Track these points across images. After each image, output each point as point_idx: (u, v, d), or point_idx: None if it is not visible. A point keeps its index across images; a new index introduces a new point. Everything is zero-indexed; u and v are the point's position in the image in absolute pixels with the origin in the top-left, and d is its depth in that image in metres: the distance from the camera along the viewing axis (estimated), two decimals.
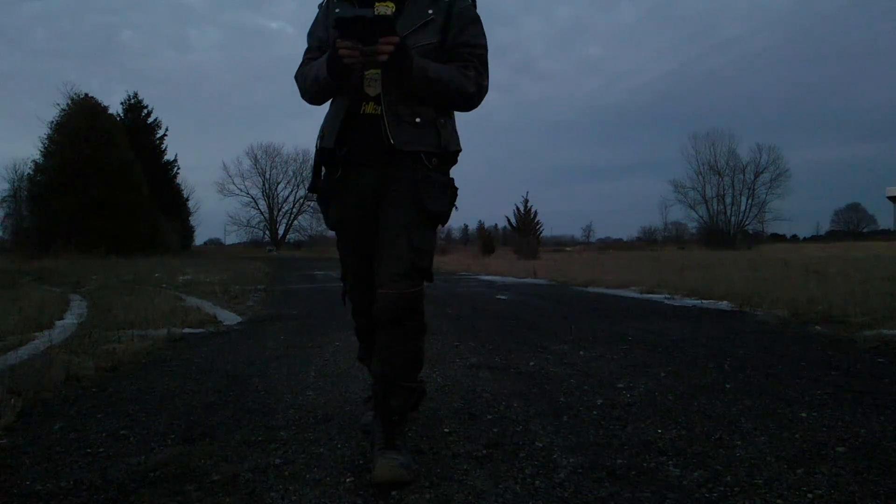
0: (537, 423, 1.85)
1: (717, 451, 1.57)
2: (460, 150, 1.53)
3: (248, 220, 40.86)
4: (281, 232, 39.95)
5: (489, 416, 1.93)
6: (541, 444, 1.65)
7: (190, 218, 28.77)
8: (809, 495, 1.29)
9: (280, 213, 40.36)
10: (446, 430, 1.80)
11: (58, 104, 21.01)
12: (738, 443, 1.64)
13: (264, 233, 41.57)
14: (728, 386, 2.30)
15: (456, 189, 1.50)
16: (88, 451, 1.66)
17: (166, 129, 24.79)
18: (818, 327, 3.87)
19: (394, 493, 1.33)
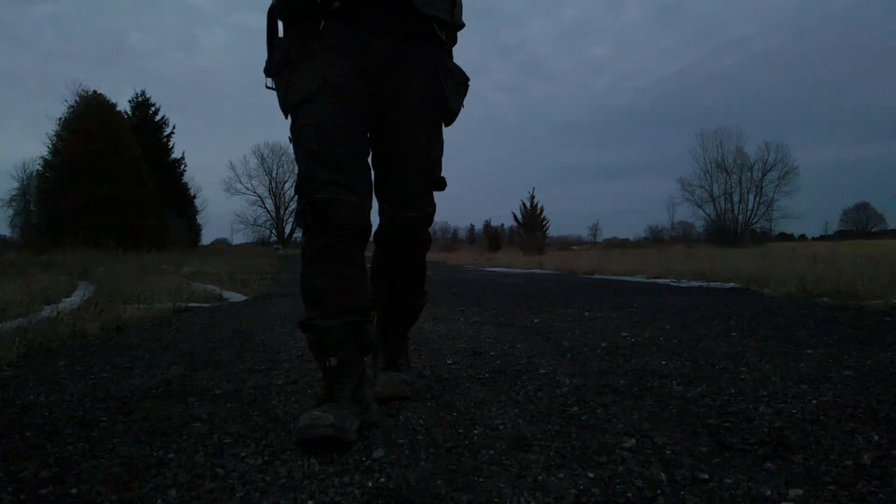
0: (540, 358, 1.84)
1: (722, 376, 1.56)
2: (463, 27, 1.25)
3: (254, 219, 40.94)
4: (287, 231, 40.03)
5: (492, 353, 1.93)
6: (544, 371, 1.64)
7: (197, 216, 28.80)
8: (814, 402, 1.28)
9: (287, 211, 40.44)
10: (449, 361, 1.80)
11: (66, 101, 21.06)
12: (743, 369, 1.63)
13: (271, 231, 41.63)
14: (734, 334, 2.28)
15: (468, 81, 1.25)
16: (92, 376, 1.67)
17: (174, 127, 24.79)
18: (826, 298, 3.84)
19: (395, 403, 1.32)
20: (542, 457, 0.96)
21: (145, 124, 24.79)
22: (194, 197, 29.07)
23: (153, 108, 25.54)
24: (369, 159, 1.18)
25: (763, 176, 30.62)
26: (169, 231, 22.22)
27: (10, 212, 24.90)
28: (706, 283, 5.85)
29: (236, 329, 2.66)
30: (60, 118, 20.59)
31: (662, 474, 0.89)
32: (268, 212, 41.99)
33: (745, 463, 0.93)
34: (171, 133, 25.83)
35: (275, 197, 41.65)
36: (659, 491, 0.82)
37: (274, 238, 42.75)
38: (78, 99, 20.69)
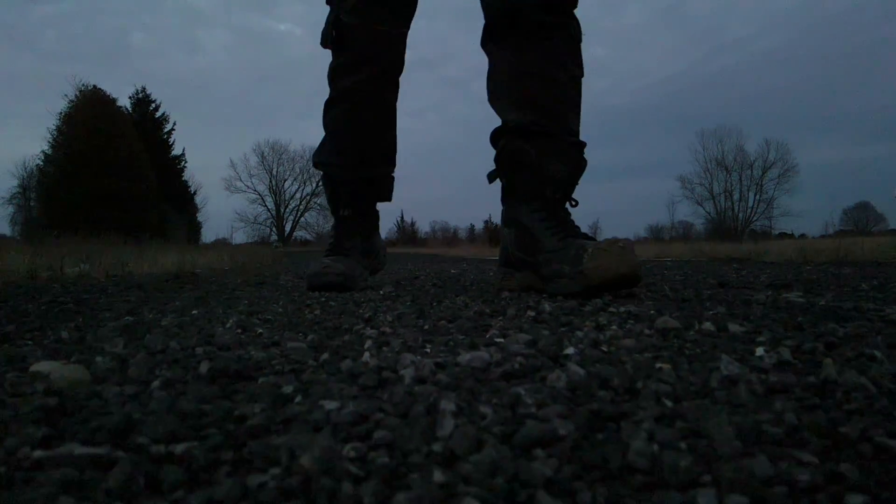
0: None
1: (723, 273, 1.59)
2: None
3: (254, 217, 40.91)
4: (288, 229, 40.01)
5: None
6: None
7: (197, 214, 28.78)
8: (814, 278, 1.30)
9: (287, 209, 40.45)
10: (453, 271, 1.82)
11: (66, 95, 21.07)
12: (744, 272, 1.65)
13: (271, 230, 41.58)
14: (735, 266, 2.31)
15: None
16: (102, 282, 1.69)
17: (174, 124, 24.70)
18: (825, 262, 3.87)
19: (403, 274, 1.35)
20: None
21: (145, 120, 24.82)
22: (194, 193, 29.06)
23: (153, 105, 25.57)
24: None
25: (763, 174, 30.57)
26: (169, 227, 22.23)
27: (11, 209, 24.92)
28: (706, 261, 5.89)
29: (242, 273, 2.68)
30: (61, 113, 20.61)
31: (667, 288, 0.91)
32: (268, 210, 42.00)
33: (745, 290, 0.95)
34: (172, 130, 25.85)
35: (275, 195, 41.63)
36: (663, 299, 0.85)
37: (275, 237, 42.73)
38: (78, 94, 20.73)
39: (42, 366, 0.32)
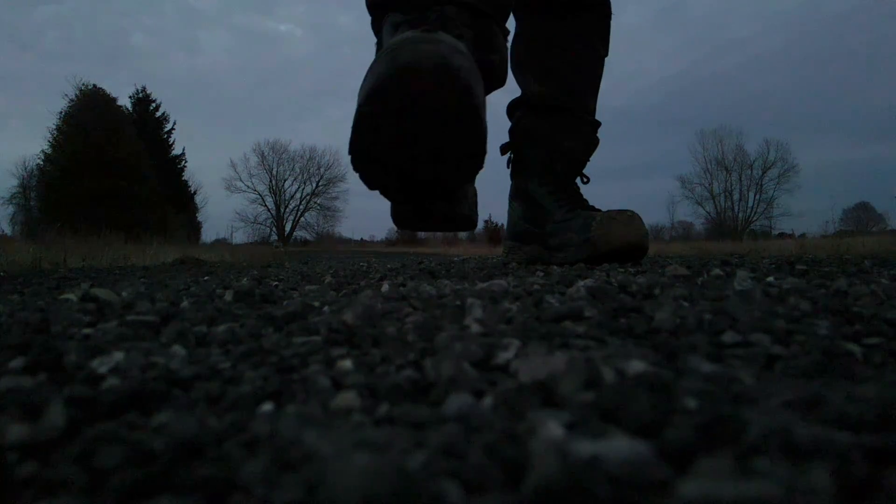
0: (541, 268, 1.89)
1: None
2: None
3: (255, 217, 40.95)
4: (288, 229, 40.02)
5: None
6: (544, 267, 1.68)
7: (197, 214, 28.81)
8: (811, 257, 1.31)
9: (287, 209, 40.47)
10: (457, 258, 1.84)
11: (66, 95, 21.11)
12: (747, 258, 1.66)
13: (271, 230, 41.62)
14: (736, 258, 2.32)
15: None
16: (107, 269, 1.70)
17: (174, 123, 24.72)
18: (823, 257, 3.89)
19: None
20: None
21: (145, 120, 24.82)
22: (194, 193, 29.08)
23: (153, 105, 25.59)
24: None
25: (763, 174, 30.57)
26: (170, 227, 22.21)
27: (11, 209, 24.96)
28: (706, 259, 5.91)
29: (248, 262, 2.69)
30: (61, 112, 20.60)
31: (672, 261, 0.92)
32: (268, 209, 42.03)
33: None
34: (172, 129, 25.86)
35: (275, 195, 41.65)
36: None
37: (275, 237, 42.70)
38: (78, 93, 20.70)
39: (81, 288, 0.33)
